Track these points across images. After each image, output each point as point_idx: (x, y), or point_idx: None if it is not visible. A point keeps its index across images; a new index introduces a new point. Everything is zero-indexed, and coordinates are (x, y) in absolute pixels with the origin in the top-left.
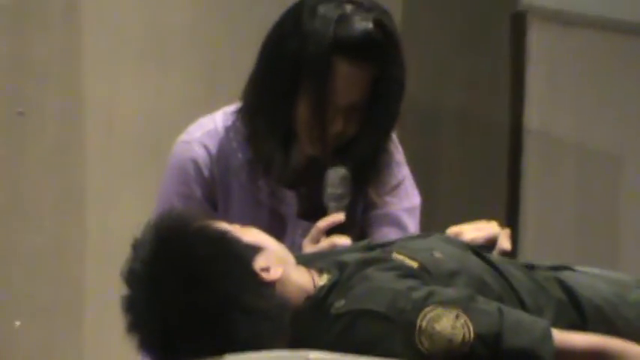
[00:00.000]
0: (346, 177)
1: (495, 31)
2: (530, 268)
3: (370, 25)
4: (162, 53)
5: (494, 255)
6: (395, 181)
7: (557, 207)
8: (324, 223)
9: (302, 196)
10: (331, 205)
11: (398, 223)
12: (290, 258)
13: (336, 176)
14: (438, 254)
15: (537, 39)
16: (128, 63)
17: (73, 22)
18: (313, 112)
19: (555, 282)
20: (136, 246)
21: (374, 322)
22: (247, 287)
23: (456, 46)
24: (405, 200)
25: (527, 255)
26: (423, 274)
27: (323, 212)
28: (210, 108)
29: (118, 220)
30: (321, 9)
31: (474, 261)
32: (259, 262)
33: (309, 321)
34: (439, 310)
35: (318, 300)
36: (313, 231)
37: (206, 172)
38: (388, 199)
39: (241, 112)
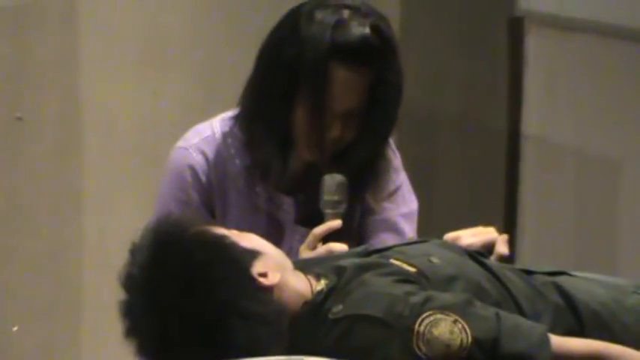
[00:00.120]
0: (343, 183)
1: (493, 36)
2: (527, 273)
3: (367, 31)
4: (160, 58)
5: (492, 260)
6: (392, 186)
7: (556, 212)
8: (320, 229)
9: (300, 203)
10: (328, 211)
11: (395, 229)
12: (288, 263)
13: (332, 183)
14: (435, 259)
15: (535, 44)
16: (126, 68)
17: (71, 27)
18: (311, 117)
19: (553, 287)
20: (134, 251)
21: (371, 328)
22: (245, 292)
23: (453, 51)
24: (402, 206)
25: (525, 260)
26: (420, 279)
27: (321, 218)
28: (208, 112)
29: (116, 224)
30: (319, 14)
31: (471, 266)
32: (257, 268)
33: (306, 326)
34: (437, 316)
35: (316, 305)
36: (310, 237)
37: (203, 179)
38: (386, 204)
39: (239, 118)
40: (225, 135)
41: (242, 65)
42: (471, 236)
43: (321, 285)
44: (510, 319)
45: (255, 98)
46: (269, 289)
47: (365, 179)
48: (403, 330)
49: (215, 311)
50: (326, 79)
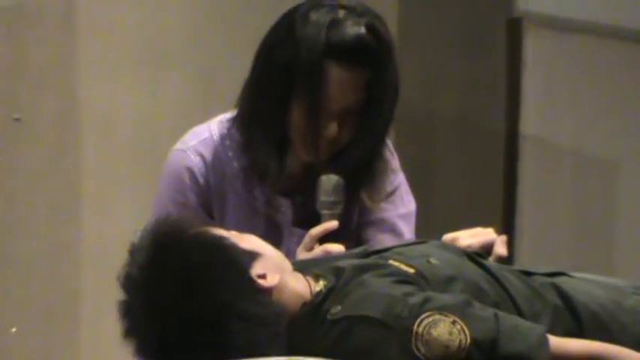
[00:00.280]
0: (339, 184)
1: (491, 37)
2: (526, 274)
3: (363, 30)
4: (158, 59)
5: (491, 261)
6: (390, 187)
7: (554, 213)
8: (317, 230)
9: (297, 204)
10: (324, 212)
11: (393, 230)
12: (287, 264)
13: (328, 184)
14: (434, 260)
15: (533, 45)
16: (124, 68)
17: (69, 27)
18: (307, 117)
19: (551, 288)
20: (133, 251)
21: (370, 328)
22: (243, 294)
23: (452, 52)
24: (400, 206)
25: (523, 261)
26: (419, 280)
27: (319, 220)
28: (206, 113)
29: (114, 225)
30: (314, 15)
31: (470, 267)
32: (256, 269)
33: (305, 327)
34: (436, 316)
35: (315, 306)
36: (306, 238)
37: (202, 181)
38: (383, 205)
39: (236, 120)
40: (223, 137)
41: (241, 66)
42: (470, 237)
43: (319, 286)
44: (509, 319)
45: (252, 100)
46: (268, 291)
47: (362, 180)
48: (402, 331)
49: (214, 312)
50: (321, 79)
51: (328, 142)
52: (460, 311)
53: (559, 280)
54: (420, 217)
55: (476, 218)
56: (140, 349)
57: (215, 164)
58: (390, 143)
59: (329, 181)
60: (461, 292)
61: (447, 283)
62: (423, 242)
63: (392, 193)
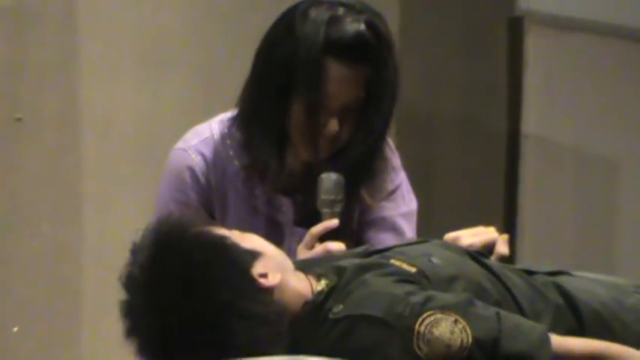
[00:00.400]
0: (339, 182)
1: (492, 36)
2: (528, 273)
3: (362, 27)
4: (159, 58)
5: (492, 260)
6: (392, 186)
7: (555, 212)
8: (317, 229)
9: (298, 204)
10: (325, 211)
11: (395, 228)
12: (288, 264)
13: (328, 182)
14: (435, 260)
15: (534, 44)
16: (125, 68)
17: (70, 27)
18: (306, 115)
19: (553, 287)
20: (135, 251)
21: (372, 328)
22: (245, 293)
23: (453, 52)
24: (401, 205)
25: (525, 260)
26: (421, 279)
27: (319, 219)
28: (207, 113)
29: (115, 224)
30: (313, 12)
31: (471, 266)
32: (257, 268)
33: (307, 326)
34: (438, 316)
35: (316, 305)
36: (307, 237)
37: (202, 180)
38: (385, 204)
39: (237, 119)
40: (223, 136)
41: (241, 66)
42: (472, 236)
43: (321, 285)
44: (511, 318)
45: (252, 98)
46: (269, 290)
47: (362, 178)
48: (404, 330)
49: (215, 312)
50: (320, 76)
51: (328, 141)
52: (462, 310)
53: (561, 279)
54: (422, 216)
55: (477, 217)
56: (142, 349)
57: (216, 163)
58: (390, 141)
59: (329, 179)
60: (463, 291)
61: (448, 282)
62: (424, 241)
63: (393, 191)
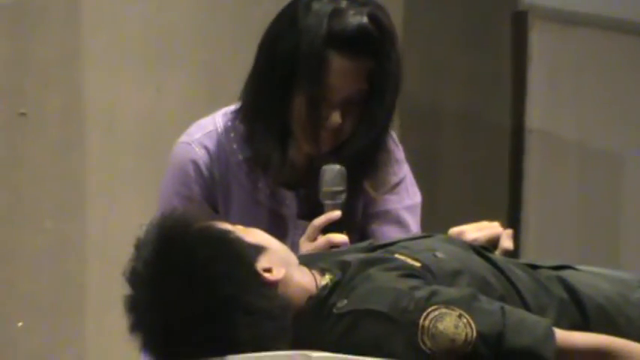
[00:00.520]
0: (341, 173)
1: (496, 30)
2: (532, 267)
3: (364, 19)
4: (163, 53)
5: (497, 255)
6: (396, 179)
7: (560, 206)
8: (320, 220)
9: (302, 197)
10: (327, 202)
11: (399, 221)
12: (292, 258)
13: (330, 173)
14: (440, 254)
15: (538, 38)
16: (129, 63)
17: (73, 22)
18: (308, 108)
19: (557, 281)
20: (139, 246)
21: (376, 322)
22: (249, 288)
23: (457, 46)
24: (405, 198)
25: (529, 255)
26: (425, 274)
27: (323, 213)
28: (211, 108)
29: (119, 219)
30: (316, 5)
31: (476, 261)
32: (262, 263)
33: (311, 321)
34: (442, 310)
35: (321, 300)
36: (309, 229)
37: (206, 173)
38: (389, 197)
39: (240, 112)
40: (227, 129)
41: (245, 61)
42: (476, 231)
43: (325, 280)
44: (515, 313)
45: (255, 91)
46: (274, 285)
47: (364, 170)
48: (408, 325)
49: (219, 306)
50: (323, 68)
51: (331, 134)
52: (466, 305)
53: (565, 274)
54: (426, 211)
55: (481, 212)
56: (146, 344)
57: (219, 157)
58: (394, 134)
59: (331, 170)
60: (467, 286)
61: (453, 276)
62: (428, 236)
63: (397, 184)
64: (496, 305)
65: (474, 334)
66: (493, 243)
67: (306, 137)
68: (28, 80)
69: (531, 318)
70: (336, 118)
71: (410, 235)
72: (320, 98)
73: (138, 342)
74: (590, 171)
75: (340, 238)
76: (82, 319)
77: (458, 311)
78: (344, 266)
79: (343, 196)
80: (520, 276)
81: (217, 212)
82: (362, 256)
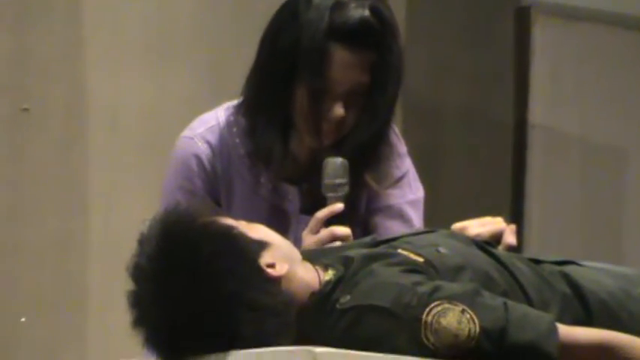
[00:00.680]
0: (343, 166)
1: (499, 25)
2: (535, 262)
3: (366, 12)
4: (165, 49)
5: (500, 250)
6: (398, 173)
7: (562, 201)
8: (322, 213)
9: (304, 192)
10: (329, 195)
11: (402, 216)
12: (296, 254)
13: (333, 166)
14: (443, 249)
15: (541, 34)
16: (132, 59)
17: (76, 18)
18: (310, 101)
19: (560, 276)
20: (142, 241)
21: (379, 318)
22: (253, 283)
23: (459, 42)
24: (408, 193)
25: (532, 250)
26: (428, 269)
27: (325, 206)
28: (214, 104)
29: (122, 215)
30: None
31: (479, 256)
32: (265, 259)
33: (314, 317)
34: (445, 305)
35: (324, 296)
36: (312, 222)
37: (209, 168)
38: (392, 191)
39: (242, 106)
40: (229, 124)
41: (247, 56)
42: (479, 226)
43: (328, 275)
44: (518, 308)
45: (257, 85)
46: (277, 280)
47: (367, 163)
48: (411, 320)
49: (223, 302)
50: (324, 61)
51: (333, 126)
52: (469, 300)
53: (568, 269)
54: (428, 206)
55: (484, 207)
56: (149, 339)
57: (222, 151)
58: (396, 128)
59: (333, 163)
60: (470, 281)
61: (456, 272)
62: (431, 231)
63: (400, 178)
64: (499, 300)
65: (477, 329)
66: (496, 239)
67: (309, 130)
68: (30, 76)
69: (534, 313)
70: (338, 110)
71: (413, 231)
72: (322, 91)
73: (141, 337)
74: (593, 165)
75: (343, 230)
76: (85, 314)
77: (461, 307)
78: (347, 262)
79: (346, 189)
80: (523, 271)
81: (220, 207)
82: (365, 251)
